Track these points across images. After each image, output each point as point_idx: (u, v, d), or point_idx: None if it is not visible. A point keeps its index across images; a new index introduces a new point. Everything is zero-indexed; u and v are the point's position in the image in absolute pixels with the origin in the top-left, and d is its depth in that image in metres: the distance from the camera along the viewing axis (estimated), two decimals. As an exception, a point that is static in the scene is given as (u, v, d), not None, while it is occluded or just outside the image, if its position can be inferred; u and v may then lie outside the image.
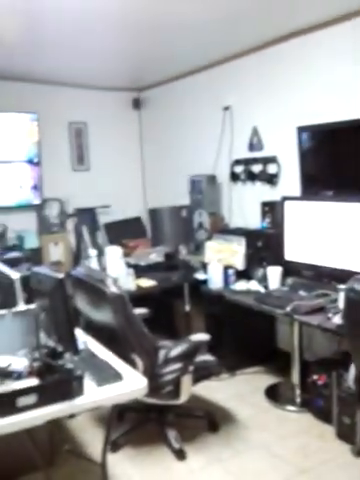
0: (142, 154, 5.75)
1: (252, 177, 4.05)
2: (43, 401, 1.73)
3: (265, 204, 3.76)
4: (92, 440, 2.86)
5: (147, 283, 3.63)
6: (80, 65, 4.44)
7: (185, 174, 4.62)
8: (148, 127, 5.63)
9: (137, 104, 5.60)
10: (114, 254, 3.67)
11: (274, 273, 3.29)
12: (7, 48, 3.81)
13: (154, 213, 4.01)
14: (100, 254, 3.89)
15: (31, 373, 1.84)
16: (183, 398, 2.59)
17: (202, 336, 2.71)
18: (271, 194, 3.85)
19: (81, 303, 2.73)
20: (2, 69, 4.44)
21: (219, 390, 3.39)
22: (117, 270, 3.51)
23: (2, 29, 3.35)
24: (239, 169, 4.19)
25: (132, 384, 1.92)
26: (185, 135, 4.94)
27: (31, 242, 4.86)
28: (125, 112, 5.61)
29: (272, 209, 3.66)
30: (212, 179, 4.36)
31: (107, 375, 1.95)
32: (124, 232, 5.07)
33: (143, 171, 5.77)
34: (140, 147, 5.75)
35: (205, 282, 3.61)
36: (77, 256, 5.01)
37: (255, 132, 4.01)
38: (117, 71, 4.76)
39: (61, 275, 1.90)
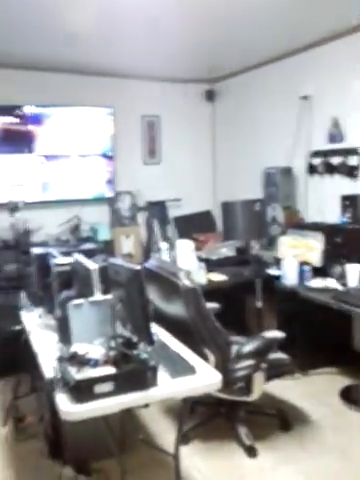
0: (214, 146, 5.72)
1: (331, 169, 3.91)
2: (119, 389, 1.76)
3: (345, 198, 3.62)
4: (161, 431, 2.90)
5: (218, 277, 3.61)
6: (154, 58, 4.47)
7: (259, 167, 4.54)
8: (221, 119, 5.57)
9: (210, 96, 5.56)
10: (185, 248, 3.68)
11: (354, 270, 3.16)
12: (84, 43, 3.91)
13: (226, 207, 3.96)
14: (170, 247, 3.91)
15: (107, 362, 1.87)
16: (255, 395, 2.55)
17: (276, 333, 2.65)
18: (351, 187, 3.70)
19: (153, 295, 2.75)
20: (80, 64, 4.58)
21: (292, 389, 3.31)
22: (188, 264, 3.50)
23: (79, 25, 3.43)
24: (317, 161, 4.05)
25: (205, 378, 1.91)
26: (259, 126, 4.85)
27: (104, 234, 4.98)
28: (198, 104, 5.59)
29: (353, 203, 3.51)
30: (287, 171, 4.25)
31: (180, 367, 1.94)
32: (194, 226, 5.07)
33: (214, 164, 5.74)
34: (212, 139, 5.71)
35: (278, 278, 3.53)
36: (147, 249, 5.06)
37: (335, 122, 3.86)
38: (191, 63, 4.76)
39: (138, 267, 1.91)
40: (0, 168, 4.60)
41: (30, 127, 4.69)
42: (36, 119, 4.71)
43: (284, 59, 4.36)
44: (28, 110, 4.67)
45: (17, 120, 4.63)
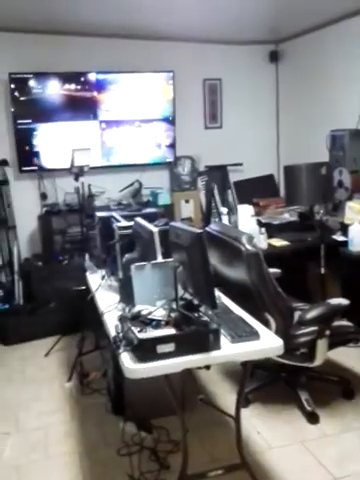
0: (278, 109, 5.54)
1: None
2: (180, 350, 1.77)
3: None
4: (221, 392, 2.95)
5: (279, 243, 3.55)
6: (215, 19, 4.34)
7: (325, 129, 4.34)
8: (286, 80, 5.38)
9: (274, 57, 5.37)
10: (246, 212, 3.62)
11: None
12: (144, 7, 3.85)
13: (290, 170, 3.83)
14: (230, 212, 3.86)
15: (168, 323, 1.89)
16: (318, 361, 2.51)
17: (341, 300, 2.57)
18: None
19: (214, 259, 2.74)
20: (140, 29, 4.53)
21: (355, 357, 3.24)
22: (249, 229, 3.46)
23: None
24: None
25: (267, 342, 1.89)
26: (326, 87, 4.65)
27: (164, 199, 5.00)
28: (261, 66, 5.42)
29: None
30: (356, 134, 4.05)
31: (242, 331, 1.93)
32: (255, 190, 4.99)
33: (278, 127, 5.58)
34: (276, 102, 5.54)
35: (344, 244, 3.41)
36: (207, 214, 5.03)
37: None
38: (253, 23, 4.59)
39: (200, 230, 1.90)
40: (65, 134, 4.69)
41: (94, 93, 4.73)
42: (99, 86, 4.74)
43: (356, 16, 4.09)
44: (92, 77, 4.69)
45: (81, 87, 4.68)
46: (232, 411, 2.13)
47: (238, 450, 2.11)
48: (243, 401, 2.69)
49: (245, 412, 2.68)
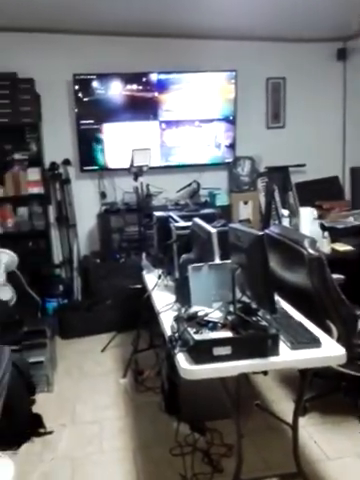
0: (344, 109, 5.37)
1: None
2: (237, 354, 1.75)
3: None
4: (277, 399, 2.88)
5: (343, 248, 3.43)
6: (279, 17, 4.26)
7: None
8: (354, 79, 5.18)
9: (342, 55, 5.20)
10: (308, 215, 3.53)
11: None
12: (207, 7, 3.84)
13: (357, 173, 3.69)
14: (291, 215, 3.78)
15: (225, 326, 1.86)
16: (381, 373, 2.41)
17: None
18: None
19: (273, 263, 2.68)
20: (202, 28, 4.52)
21: None
22: (311, 232, 3.36)
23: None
24: None
25: (329, 351, 1.82)
26: None
27: (222, 200, 4.97)
28: (327, 64, 5.27)
29: None
30: None
31: (303, 338, 1.88)
32: (318, 193, 4.86)
33: (344, 128, 5.40)
34: (342, 101, 5.37)
35: None
36: (267, 216, 4.95)
37: None
38: (320, 20, 4.45)
39: (261, 232, 1.86)
40: (126, 134, 4.76)
41: (155, 94, 4.77)
42: (160, 86, 4.77)
43: None
44: (153, 77, 4.73)
45: (142, 87, 4.73)
46: (288, 418, 2.08)
47: (295, 459, 2.05)
48: (300, 409, 2.63)
49: (302, 420, 2.60)
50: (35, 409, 2.88)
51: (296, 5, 3.90)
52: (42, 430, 2.75)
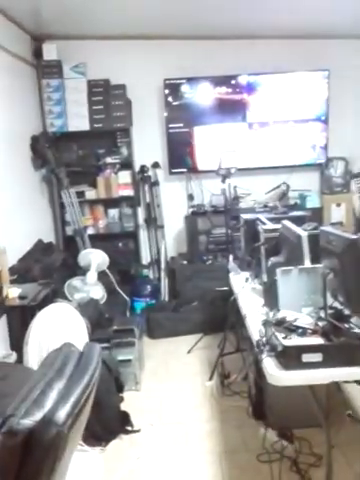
0: None
1: None
2: (328, 362, 1.70)
3: None
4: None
5: None
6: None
7: None
8: None
9: None
10: None
11: None
12: (299, 7, 3.77)
13: None
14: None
15: (315, 332, 1.81)
16: None
17: None
18: None
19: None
20: (294, 28, 4.45)
21: None
22: None
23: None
24: None
25: None
26: None
27: (313, 202, 4.84)
28: None
29: None
30: None
31: None
32: None
33: None
34: None
35: None
36: (361, 219, 4.77)
37: None
38: None
39: (355, 236, 1.79)
40: (214, 136, 4.78)
41: (244, 96, 4.75)
42: (249, 88, 4.76)
43: None
44: (242, 79, 4.72)
45: (231, 90, 4.73)
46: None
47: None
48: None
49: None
50: (123, 407, 2.94)
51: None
52: (130, 428, 2.81)
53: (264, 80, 4.74)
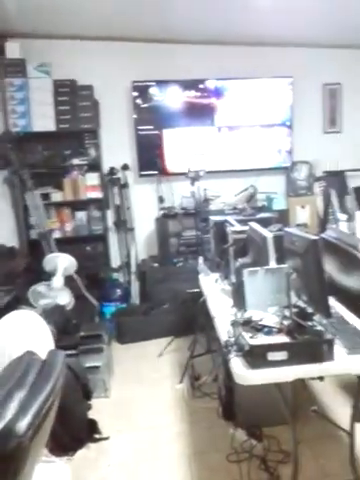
0: None
1: None
2: (292, 359, 1.74)
3: None
4: (335, 405, 2.83)
5: None
6: (335, 23, 4.22)
7: None
8: None
9: None
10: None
11: None
12: (262, 14, 3.85)
13: None
14: (349, 219, 3.69)
15: (281, 331, 1.85)
16: None
17: None
18: None
19: (329, 267, 2.63)
20: (259, 36, 4.53)
21: None
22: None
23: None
24: None
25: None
26: None
27: (279, 204, 4.94)
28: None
29: None
30: None
31: (359, 343, 1.84)
32: (376, 197, 4.71)
33: None
34: None
35: None
36: (324, 220, 4.88)
37: None
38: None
39: (316, 237, 1.85)
40: (183, 139, 4.82)
41: (212, 100, 4.81)
42: (217, 92, 4.81)
43: None
44: (210, 84, 4.78)
45: (199, 94, 4.78)
46: (346, 425, 2.03)
47: (351, 466, 2.01)
48: (358, 415, 2.56)
49: (360, 427, 2.55)
50: (91, 414, 2.84)
51: (350, 12, 3.85)
52: (98, 436, 2.74)
53: (231, 85, 4.81)
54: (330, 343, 1.75)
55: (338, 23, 4.21)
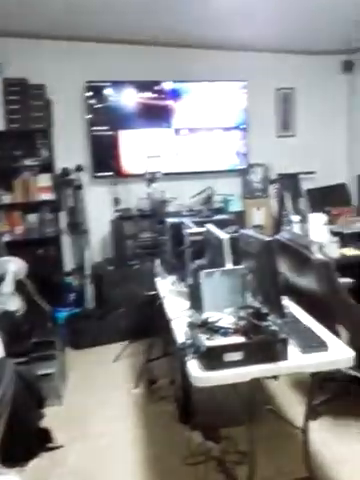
0: (350, 118, 5.45)
1: None
2: (248, 359, 1.74)
3: None
4: (290, 403, 2.87)
5: (352, 252, 3.43)
6: (289, 30, 4.33)
7: None
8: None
9: (349, 67, 5.33)
10: (318, 221, 3.53)
11: None
12: (220, 19, 3.88)
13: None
14: (302, 220, 3.77)
15: (237, 331, 1.86)
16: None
17: None
18: None
19: (284, 267, 2.68)
20: (214, 39, 4.59)
21: None
22: (320, 237, 3.36)
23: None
24: None
25: (337, 354, 1.82)
26: None
27: (235, 206, 5.00)
28: (334, 76, 5.42)
29: None
30: None
31: (311, 342, 1.87)
32: (327, 199, 4.82)
33: (351, 136, 5.47)
34: (348, 111, 5.48)
35: None
36: (278, 221, 4.96)
37: None
38: (326, 32, 4.55)
39: (269, 238, 1.87)
40: (139, 141, 4.79)
41: (169, 102, 4.81)
42: (175, 94, 4.82)
43: None
44: (166, 86, 4.78)
45: (156, 95, 4.77)
46: (301, 423, 2.06)
47: (305, 463, 2.03)
48: (312, 413, 2.61)
49: (314, 424, 2.58)
50: (44, 423, 2.78)
51: (303, 19, 3.95)
52: (51, 445, 2.65)
53: (189, 87, 4.83)
54: (284, 342, 1.77)
55: (292, 29, 4.32)
